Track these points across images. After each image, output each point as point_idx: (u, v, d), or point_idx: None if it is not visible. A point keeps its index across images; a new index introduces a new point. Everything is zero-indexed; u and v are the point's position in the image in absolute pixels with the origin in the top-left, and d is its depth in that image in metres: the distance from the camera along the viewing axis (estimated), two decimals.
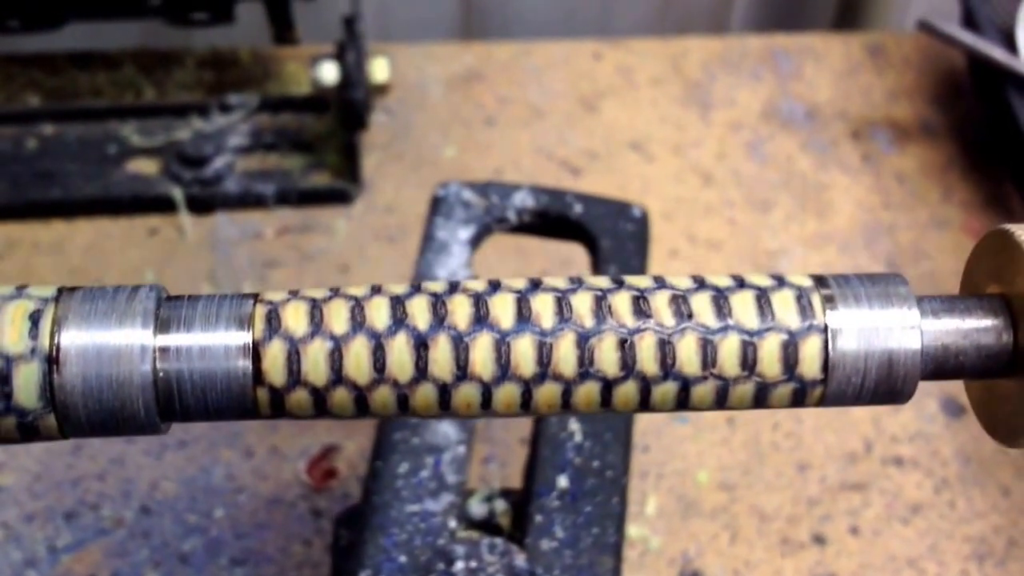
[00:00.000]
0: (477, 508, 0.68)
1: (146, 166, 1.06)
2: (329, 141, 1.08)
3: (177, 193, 1.03)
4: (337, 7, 1.07)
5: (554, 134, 1.13)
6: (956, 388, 0.94)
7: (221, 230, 1.03)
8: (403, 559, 0.64)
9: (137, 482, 0.87)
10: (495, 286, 0.41)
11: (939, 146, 1.13)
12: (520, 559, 0.63)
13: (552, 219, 0.80)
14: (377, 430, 0.70)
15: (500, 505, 0.69)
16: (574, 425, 0.70)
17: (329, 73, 1.01)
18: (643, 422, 0.90)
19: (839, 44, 1.23)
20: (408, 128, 1.12)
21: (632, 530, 0.85)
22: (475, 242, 0.78)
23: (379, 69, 1.03)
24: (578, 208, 0.80)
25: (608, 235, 0.79)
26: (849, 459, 0.90)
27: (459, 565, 0.63)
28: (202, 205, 1.04)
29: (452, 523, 0.66)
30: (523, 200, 0.80)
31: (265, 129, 1.09)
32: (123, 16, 1.09)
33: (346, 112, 1.01)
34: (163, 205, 1.04)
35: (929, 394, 0.94)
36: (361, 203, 1.06)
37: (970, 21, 1.11)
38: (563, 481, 0.68)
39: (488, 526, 0.68)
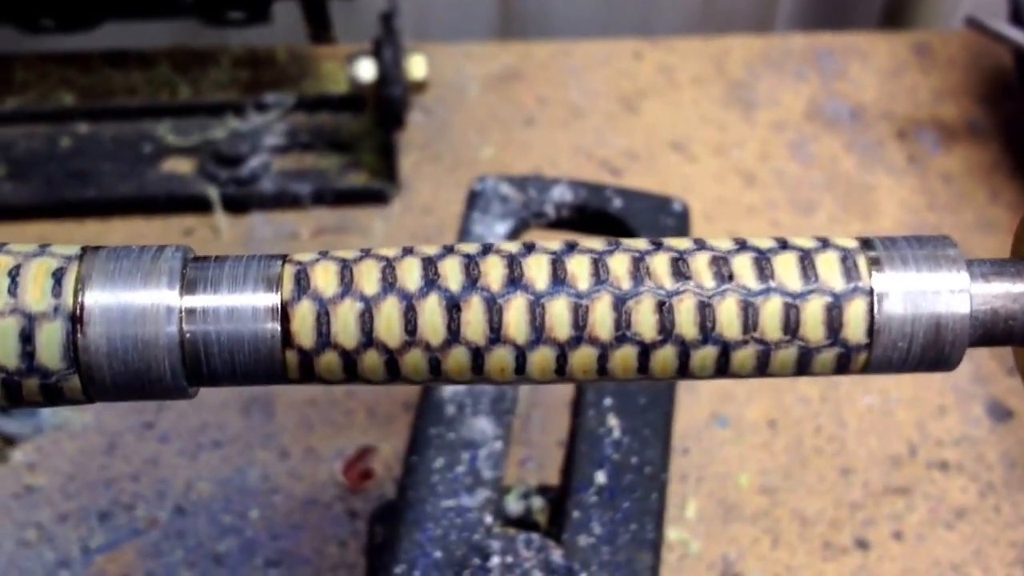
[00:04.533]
0: (514, 505, 0.67)
1: (181, 165, 1.06)
2: (366, 141, 1.07)
3: (212, 193, 1.03)
4: (374, 6, 1.06)
5: (594, 134, 1.11)
6: (1002, 391, 0.92)
7: (257, 230, 1.02)
8: (438, 554, 0.63)
9: (172, 482, 0.86)
10: (529, 248, 0.40)
11: (986, 146, 1.11)
12: (557, 555, 0.62)
13: (591, 214, 0.79)
14: (413, 425, 0.69)
15: (537, 502, 0.67)
16: (612, 420, 0.69)
17: (366, 70, 1.00)
18: (683, 424, 0.89)
19: (884, 43, 1.22)
20: (446, 128, 1.11)
21: (672, 533, 0.84)
22: (512, 237, 0.77)
23: (416, 66, 1.02)
24: (617, 202, 0.79)
25: (648, 230, 0.78)
26: (893, 463, 0.89)
27: (495, 560, 0.62)
28: (238, 205, 1.03)
29: (488, 519, 0.64)
30: (561, 194, 0.79)
31: (301, 128, 1.08)
32: (158, 16, 1.08)
33: (383, 110, 1.01)
34: (198, 205, 1.03)
35: (975, 397, 0.92)
36: (398, 203, 1.05)
37: (1018, 18, 1.09)
38: (601, 477, 0.66)
39: (525, 523, 0.67)
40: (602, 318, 0.39)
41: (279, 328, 0.39)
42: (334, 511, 0.85)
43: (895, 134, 1.13)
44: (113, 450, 0.88)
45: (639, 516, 0.65)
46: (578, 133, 1.12)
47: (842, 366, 0.40)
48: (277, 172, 1.05)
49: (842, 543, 0.84)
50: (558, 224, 0.80)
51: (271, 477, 0.87)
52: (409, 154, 1.09)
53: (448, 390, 0.69)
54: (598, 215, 0.79)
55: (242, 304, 0.39)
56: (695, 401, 0.91)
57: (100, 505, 0.85)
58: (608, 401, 0.70)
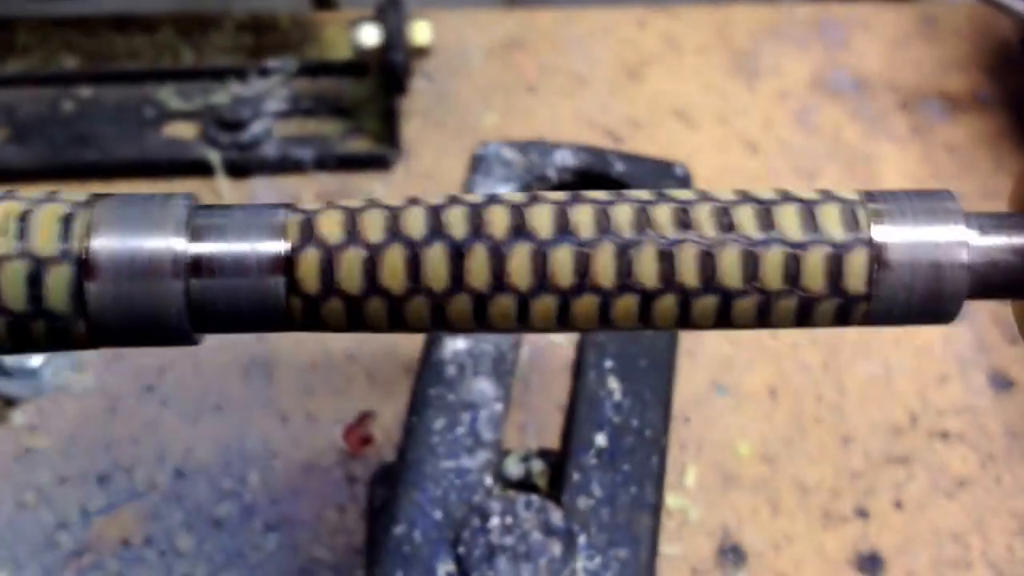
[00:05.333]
0: (514, 468, 0.67)
1: (183, 130, 1.06)
2: (368, 106, 1.07)
3: (214, 157, 1.03)
4: None
5: (597, 102, 1.11)
6: (1004, 361, 0.92)
7: (258, 195, 1.02)
8: (438, 515, 0.63)
9: (171, 446, 0.86)
10: (533, 198, 0.40)
11: (990, 117, 1.11)
12: (556, 516, 0.62)
13: (593, 178, 0.79)
14: (413, 385, 0.69)
15: (537, 465, 0.67)
16: (613, 383, 0.69)
17: (369, 36, 1.00)
18: (683, 392, 0.89)
19: (890, 14, 1.21)
20: (449, 95, 1.11)
21: (671, 501, 0.84)
22: None
23: (420, 32, 1.01)
24: (619, 167, 0.79)
25: None
26: (894, 432, 0.89)
27: (494, 521, 0.62)
28: (240, 170, 1.03)
29: (488, 480, 0.64)
30: (564, 159, 0.79)
31: (304, 94, 1.08)
32: None
33: (386, 75, 1.00)
34: (200, 169, 1.03)
35: (976, 367, 0.92)
36: (400, 169, 1.05)
37: None
38: (601, 439, 0.66)
39: (525, 486, 0.66)
40: (604, 266, 0.39)
41: (284, 275, 0.39)
42: (334, 476, 0.85)
43: (899, 104, 1.12)
44: (113, 413, 0.87)
45: (639, 479, 0.65)
46: (581, 101, 1.11)
47: (842, 316, 0.40)
48: (279, 137, 1.05)
49: (842, 512, 0.84)
50: (560, 188, 0.80)
51: (271, 442, 0.86)
52: (412, 120, 1.08)
53: (448, 351, 0.69)
54: (600, 179, 0.79)
55: (248, 251, 0.39)
56: (695, 369, 0.91)
57: (99, 468, 0.85)
58: (609, 364, 0.70)
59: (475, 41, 1.16)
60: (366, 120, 1.06)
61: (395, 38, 0.99)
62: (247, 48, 1.13)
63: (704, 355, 0.92)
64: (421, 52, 1.03)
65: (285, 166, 1.03)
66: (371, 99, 1.08)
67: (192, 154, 1.03)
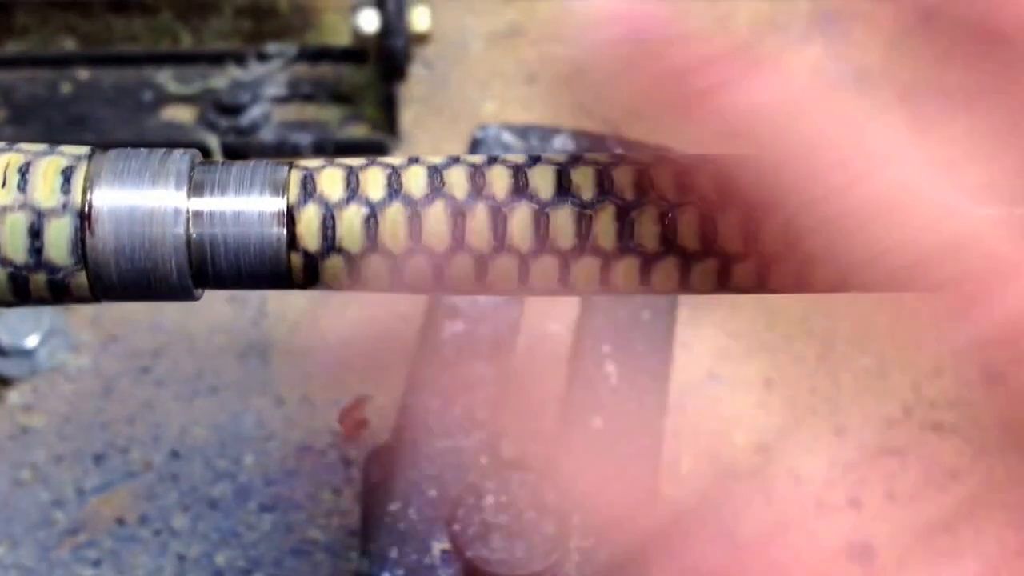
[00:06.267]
0: (509, 447, 0.67)
1: (182, 113, 1.06)
2: (367, 93, 1.07)
3: (212, 141, 1.03)
4: None
5: (596, 93, 1.11)
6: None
7: None
8: (433, 492, 0.63)
9: (167, 426, 0.86)
10: (535, 159, 0.40)
11: None
12: (551, 495, 0.62)
13: None
14: (411, 366, 0.69)
15: (532, 445, 0.67)
16: (610, 367, 0.69)
17: (369, 21, 1.00)
18: (678, 381, 0.89)
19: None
20: (447, 82, 1.11)
21: (665, 489, 0.84)
22: None
23: (419, 18, 1.01)
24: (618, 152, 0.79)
25: None
26: (887, 424, 0.89)
27: (489, 499, 0.62)
28: (237, 154, 1.03)
29: (483, 460, 0.65)
30: (563, 144, 0.79)
31: (303, 79, 1.08)
32: None
33: (385, 61, 1.00)
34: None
35: (970, 359, 0.92)
36: (398, 156, 1.05)
37: None
38: (597, 423, 0.66)
39: (520, 467, 0.67)
40: (605, 228, 0.39)
41: (285, 231, 0.39)
42: (329, 458, 0.85)
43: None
44: (109, 393, 0.88)
45: (635, 462, 0.65)
46: (580, 91, 1.11)
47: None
48: (278, 122, 1.05)
49: (835, 502, 0.85)
50: None
51: (266, 424, 0.87)
52: (410, 108, 1.08)
53: (447, 333, 0.70)
54: None
55: (248, 207, 0.39)
56: (691, 359, 0.91)
57: (95, 447, 0.85)
58: (606, 349, 0.70)
59: (474, 29, 1.16)
60: (365, 106, 1.07)
61: (394, 24, 0.99)
62: (246, 33, 1.13)
63: (700, 344, 0.92)
64: (420, 39, 1.03)
65: (283, 151, 1.04)
66: (370, 85, 1.08)
67: (190, 138, 1.03)
